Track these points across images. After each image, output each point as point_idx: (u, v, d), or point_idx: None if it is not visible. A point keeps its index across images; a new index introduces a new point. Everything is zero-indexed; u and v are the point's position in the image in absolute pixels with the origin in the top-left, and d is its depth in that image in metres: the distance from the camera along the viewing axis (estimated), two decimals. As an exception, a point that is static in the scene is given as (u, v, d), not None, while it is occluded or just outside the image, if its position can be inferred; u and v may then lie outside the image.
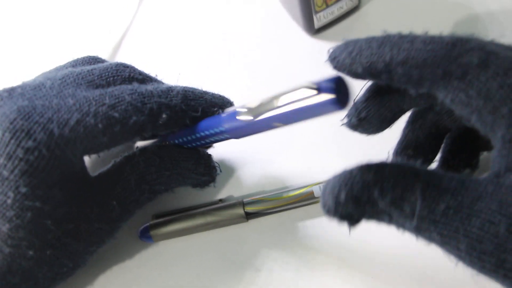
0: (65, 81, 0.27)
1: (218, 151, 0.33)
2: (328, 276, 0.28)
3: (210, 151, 0.32)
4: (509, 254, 0.17)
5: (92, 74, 0.28)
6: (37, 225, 0.24)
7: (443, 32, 0.21)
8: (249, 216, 0.31)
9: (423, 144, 0.26)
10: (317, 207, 0.29)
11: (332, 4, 0.37)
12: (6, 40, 0.49)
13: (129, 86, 0.27)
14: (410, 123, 0.27)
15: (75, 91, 0.27)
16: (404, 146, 0.27)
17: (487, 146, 0.26)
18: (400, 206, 0.19)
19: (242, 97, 0.31)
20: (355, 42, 0.22)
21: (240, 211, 0.31)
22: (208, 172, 0.31)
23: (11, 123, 0.24)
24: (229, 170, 0.34)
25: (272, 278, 0.29)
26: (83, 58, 0.32)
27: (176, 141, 0.30)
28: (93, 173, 0.27)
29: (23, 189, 0.23)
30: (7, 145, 0.23)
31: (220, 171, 0.33)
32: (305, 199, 0.30)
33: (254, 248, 0.31)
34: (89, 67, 0.29)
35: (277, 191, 0.31)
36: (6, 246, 0.24)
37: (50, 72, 0.30)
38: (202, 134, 0.28)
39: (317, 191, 0.30)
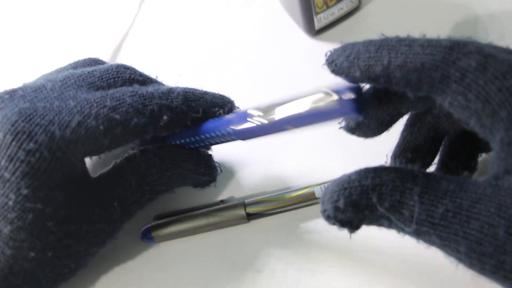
0: (66, 83, 0.28)
1: (219, 152, 0.33)
2: (329, 277, 0.28)
3: (210, 151, 0.32)
4: (508, 256, 0.17)
5: (93, 76, 0.28)
6: (38, 227, 0.24)
7: (443, 33, 0.21)
8: (250, 217, 0.31)
9: (421, 147, 0.26)
10: (319, 207, 0.29)
11: (332, 5, 0.37)
12: (7, 41, 0.49)
13: (130, 88, 0.27)
14: (408, 126, 0.27)
15: (76, 93, 0.27)
16: (403, 149, 0.27)
17: (485, 148, 0.26)
18: (399, 211, 0.19)
19: (242, 97, 0.32)
20: (353, 45, 0.22)
21: (241, 212, 0.31)
22: (209, 172, 0.31)
23: (12, 125, 0.24)
24: (230, 171, 0.35)
25: (273, 279, 0.29)
26: (84, 60, 0.32)
27: (178, 142, 0.30)
28: (94, 174, 0.27)
29: (24, 191, 0.23)
30: (8, 147, 0.23)
31: (221, 171, 0.33)
32: (306, 199, 0.30)
33: (255, 249, 0.31)
34: (89, 69, 0.29)
35: (278, 192, 0.31)
36: (7, 248, 0.24)
37: (51, 74, 0.30)
38: (208, 135, 0.28)
39: (318, 191, 0.30)
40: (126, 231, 0.30)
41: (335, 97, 0.21)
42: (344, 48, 0.22)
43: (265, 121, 0.25)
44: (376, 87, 0.24)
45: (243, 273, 0.30)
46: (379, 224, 0.20)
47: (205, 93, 0.30)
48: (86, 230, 0.26)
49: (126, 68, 0.30)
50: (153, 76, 0.32)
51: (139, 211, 0.29)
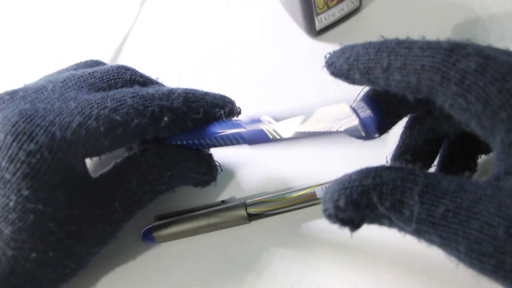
0: (66, 84, 0.28)
1: (220, 152, 0.33)
2: (331, 277, 0.29)
3: (211, 151, 0.32)
4: (508, 256, 0.17)
5: (94, 77, 0.28)
6: (39, 228, 0.24)
7: (444, 34, 0.21)
8: (251, 217, 0.31)
9: (421, 149, 0.26)
10: (320, 208, 0.29)
11: (333, 6, 0.37)
12: (8, 42, 0.49)
13: (131, 89, 0.27)
14: (408, 128, 0.27)
15: (77, 94, 0.27)
16: (402, 152, 0.27)
17: (485, 150, 0.26)
18: (399, 210, 0.19)
19: (242, 97, 0.32)
20: (352, 47, 0.22)
21: (242, 212, 0.31)
22: (209, 171, 0.31)
23: (13, 126, 0.24)
24: (231, 171, 0.35)
25: (274, 279, 0.29)
26: (85, 61, 0.32)
27: (180, 143, 0.30)
28: (94, 174, 0.28)
29: (25, 192, 0.23)
30: (9, 148, 0.23)
31: (221, 170, 0.33)
32: (307, 200, 0.30)
33: (256, 250, 0.31)
34: (90, 70, 0.29)
35: (279, 192, 0.31)
36: (9, 249, 0.24)
37: (51, 75, 0.30)
38: (214, 139, 0.28)
39: (319, 192, 0.30)
40: (127, 231, 0.30)
41: (356, 121, 0.21)
42: (343, 50, 0.22)
43: (281, 135, 0.25)
44: (376, 90, 0.24)
45: (244, 274, 0.30)
46: (380, 223, 0.20)
47: (206, 93, 0.30)
48: (87, 230, 0.26)
49: (127, 69, 0.30)
50: (153, 76, 0.32)
51: (140, 211, 0.29)
